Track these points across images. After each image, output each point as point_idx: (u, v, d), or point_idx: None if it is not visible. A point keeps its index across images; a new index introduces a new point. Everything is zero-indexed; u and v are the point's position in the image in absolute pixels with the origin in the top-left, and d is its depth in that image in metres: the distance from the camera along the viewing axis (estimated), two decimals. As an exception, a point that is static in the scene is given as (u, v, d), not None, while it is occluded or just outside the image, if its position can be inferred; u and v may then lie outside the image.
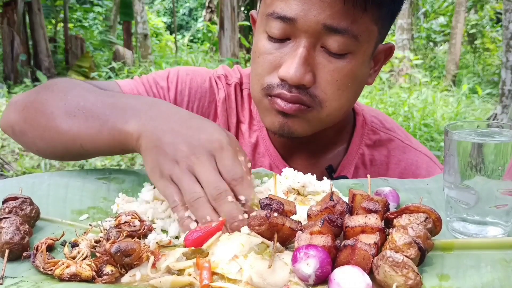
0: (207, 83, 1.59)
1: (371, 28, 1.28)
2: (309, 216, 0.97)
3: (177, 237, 1.02)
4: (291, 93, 1.27)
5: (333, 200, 0.97)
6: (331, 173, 1.51)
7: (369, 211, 0.95)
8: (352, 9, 1.21)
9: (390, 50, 1.44)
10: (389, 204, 1.03)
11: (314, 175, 1.20)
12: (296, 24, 1.24)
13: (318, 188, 1.17)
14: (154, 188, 1.19)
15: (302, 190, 1.16)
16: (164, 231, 1.04)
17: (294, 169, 1.23)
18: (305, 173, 1.21)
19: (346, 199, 1.09)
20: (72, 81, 1.38)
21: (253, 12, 1.50)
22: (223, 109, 1.57)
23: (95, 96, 1.25)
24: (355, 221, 0.91)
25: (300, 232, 0.91)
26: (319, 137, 1.47)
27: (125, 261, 0.87)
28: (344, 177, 1.47)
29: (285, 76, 1.26)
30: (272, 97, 1.31)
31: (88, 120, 1.19)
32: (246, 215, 0.98)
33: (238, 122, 1.59)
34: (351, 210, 1.00)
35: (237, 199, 1.01)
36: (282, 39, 1.28)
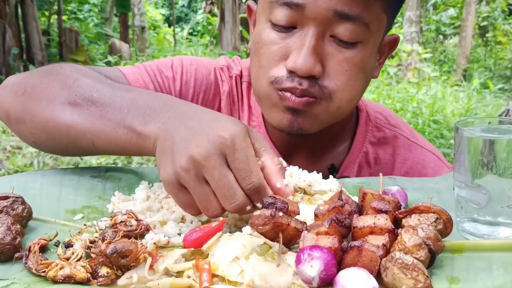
0: (212, 75, 1.57)
1: (382, 17, 1.28)
2: (316, 215, 0.97)
3: (179, 234, 1.02)
4: (302, 87, 1.26)
5: (341, 200, 0.97)
6: (333, 173, 1.50)
7: (379, 211, 0.94)
8: None
9: (395, 41, 1.44)
10: (401, 204, 1.02)
11: (320, 174, 1.20)
12: (305, 11, 1.22)
13: (325, 187, 1.17)
14: (151, 187, 1.20)
15: (308, 189, 1.16)
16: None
17: None
18: None
19: (352, 199, 1.08)
20: (78, 67, 1.30)
21: (250, 2, 1.48)
22: (227, 102, 1.56)
23: (110, 89, 1.17)
24: (364, 221, 0.91)
25: (306, 232, 0.91)
26: (321, 133, 1.47)
27: (122, 263, 0.87)
28: (347, 178, 1.46)
29: (294, 67, 1.24)
30: (282, 91, 1.29)
31: (103, 116, 1.12)
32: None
33: (239, 117, 1.58)
34: (360, 210, 0.99)
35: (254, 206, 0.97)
36: (288, 28, 1.27)
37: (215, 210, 0.96)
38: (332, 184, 1.18)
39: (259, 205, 0.96)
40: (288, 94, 1.28)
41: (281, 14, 1.25)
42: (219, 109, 1.56)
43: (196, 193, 0.96)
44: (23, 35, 13.06)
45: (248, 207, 0.95)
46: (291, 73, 1.26)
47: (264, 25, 1.32)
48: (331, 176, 1.22)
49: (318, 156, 1.54)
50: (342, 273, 0.82)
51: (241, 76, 1.60)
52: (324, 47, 1.26)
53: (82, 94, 1.16)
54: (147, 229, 1.02)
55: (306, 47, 1.24)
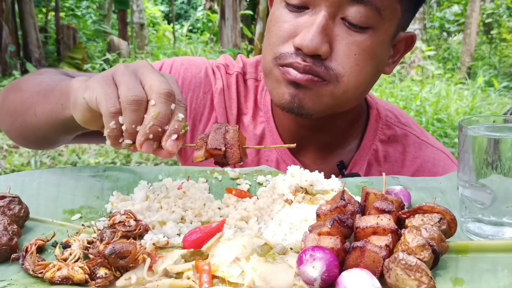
0: (203, 73, 1.59)
1: (395, 6, 1.30)
2: (318, 215, 0.97)
3: (178, 235, 1.02)
4: (305, 63, 1.27)
5: (344, 200, 0.97)
6: (342, 169, 1.51)
7: (382, 211, 0.94)
8: None
9: (411, 39, 1.45)
10: (404, 204, 1.02)
11: (322, 173, 1.19)
12: None
13: (327, 186, 1.17)
14: (150, 186, 1.20)
15: (310, 188, 1.16)
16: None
17: (304, 164, 1.23)
18: (314, 168, 1.21)
19: (355, 199, 1.08)
20: (58, 71, 1.46)
21: None
22: (220, 100, 1.57)
23: (66, 72, 1.40)
24: (366, 221, 0.91)
25: (308, 232, 0.91)
26: (330, 128, 1.47)
27: (120, 264, 0.87)
28: (356, 175, 1.47)
29: (301, 44, 1.26)
30: (284, 67, 1.31)
31: (48, 85, 1.28)
32: (175, 136, 0.97)
33: (240, 114, 1.59)
34: (363, 210, 0.99)
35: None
36: (300, 7, 1.29)
37: (139, 91, 0.97)
38: (334, 184, 1.18)
39: (181, 115, 0.99)
40: (290, 69, 1.30)
41: None
42: (211, 106, 1.58)
43: (128, 78, 0.99)
44: (20, 32, 13.07)
45: (173, 105, 0.98)
46: (298, 50, 1.28)
47: (279, 4, 1.35)
48: (333, 176, 1.22)
49: (327, 152, 1.55)
50: (345, 274, 0.82)
51: (244, 73, 1.61)
52: (333, 29, 1.28)
53: (42, 79, 1.36)
54: (146, 230, 1.02)
55: (315, 26, 1.26)
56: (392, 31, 1.35)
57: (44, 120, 1.25)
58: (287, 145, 1.22)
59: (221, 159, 1.07)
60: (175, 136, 0.97)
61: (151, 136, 0.96)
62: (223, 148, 1.06)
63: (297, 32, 1.29)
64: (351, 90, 1.33)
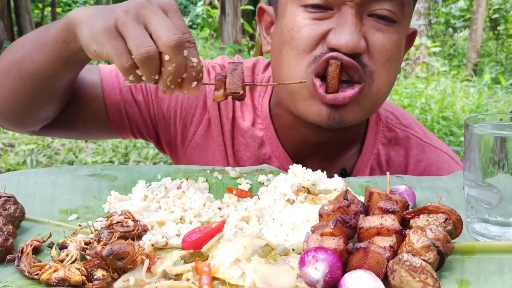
0: None
1: (411, 2, 1.33)
2: (320, 215, 0.97)
3: (177, 235, 1.02)
4: (346, 57, 1.25)
5: (347, 199, 0.97)
6: (345, 177, 1.49)
7: (386, 211, 0.94)
8: None
9: (413, 35, 1.47)
10: (408, 204, 1.02)
11: (325, 172, 1.19)
12: None
13: (330, 186, 1.17)
14: (148, 186, 1.20)
15: (312, 188, 1.16)
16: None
17: None
18: None
19: (359, 198, 1.08)
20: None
21: (263, 5, 1.50)
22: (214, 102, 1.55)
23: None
24: (370, 222, 0.91)
25: (310, 233, 0.91)
26: (335, 137, 1.45)
27: (118, 265, 0.87)
28: None
29: (339, 43, 1.24)
30: (321, 80, 1.28)
31: (40, 31, 1.29)
32: (195, 83, 1.02)
33: (235, 117, 1.56)
34: (366, 210, 0.99)
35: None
36: (324, 8, 1.28)
37: (149, 45, 0.98)
38: (337, 183, 1.18)
39: (194, 59, 1.01)
40: (327, 95, 1.27)
41: None
42: (203, 108, 1.55)
43: (132, 30, 0.99)
44: (15, 28, 13.07)
45: (186, 51, 1.00)
46: (333, 51, 1.26)
47: (296, 11, 1.32)
48: (336, 175, 1.22)
49: (330, 160, 1.53)
50: (348, 276, 0.82)
51: None
52: (364, 25, 1.28)
53: (29, 36, 1.35)
54: (145, 230, 1.02)
55: (350, 24, 1.25)
56: (407, 28, 1.38)
57: (45, 63, 1.25)
58: (299, 81, 1.20)
59: (239, 97, 1.13)
60: (195, 83, 1.03)
61: (172, 86, 1.02)
62: (241, 92, 1.11)
63: (326, 33, 1.27)
64: (383, 87, 1.33)
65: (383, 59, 1.30)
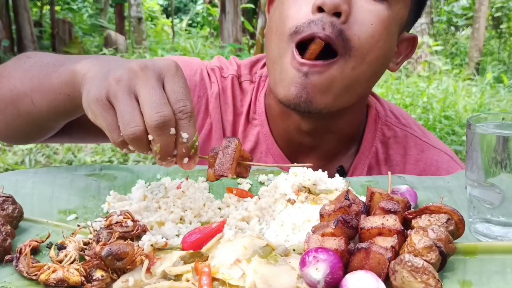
0: (198, 76, 1.57)
1: None
2: (321, 215, 0.97)
3: (177, 235, 1.02)
4: (324, 31, 1.27)
5: (348, 199, 0.97)
6: (343, 175, 1.49)
7: (388, 211, 0.94)
8: None
9: (413, 41, 1.48)
10: (410, 204, 1.02)
11: (326, 172, 1.19)
12: None
13: (331, 186, 1.17)
14: (148, 186, 1.20)
15: (313, 188, 1.16)
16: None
17: None
18: None
19: (360, 198, 1.08)
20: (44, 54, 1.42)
21: None
22: (216, 105, 1.55)
23: (55, 55, 1.32)
24: (372, 222, 0.91)
25: (311, 233, 0.91)
26: (330, 130, 1.45)
27: (117, 265, 0.87)
28: None
29: (323, 1, 1.26)
30: (299, 52, 1.30)
31: (42, 70, 1.24)
32: (187, 159, 0.98)
33: (236, 119, 1.57)
34: (368, 210, 0.99)
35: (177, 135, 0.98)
36: None
37: (136, 126, 0.94)
38: (338, 183, 1.18)
39: (185, 135, 0.96)
40: (304, 60, 1.29)
41: None
42: (206, 111, 1.56)
43: (122, 104, 0.95)
44: (14, 27, 13.06)
45: (173, 129, 0.95)
46: (319, 10, 1.28)
47: None
48: (337, 175, 1.22)
49: (327, 159, 1.53)
50: (349, 277, 0.82)
51: (238, 76, 1.60)
52: None
53: (29, 63, 1.31)
54: (144, 230, 1.02)
55: None
56: (402, 19, 1.37)
57: (47, 109, 1.23)
58: (301, 164, 1.17)
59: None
60: (186, 159, 0.99)
61: (164, 163, 0.99)
62: (229, 176, 1.06)
63: None
64: (360, 66, 1.32)
65: (367, 34, 1.30)
